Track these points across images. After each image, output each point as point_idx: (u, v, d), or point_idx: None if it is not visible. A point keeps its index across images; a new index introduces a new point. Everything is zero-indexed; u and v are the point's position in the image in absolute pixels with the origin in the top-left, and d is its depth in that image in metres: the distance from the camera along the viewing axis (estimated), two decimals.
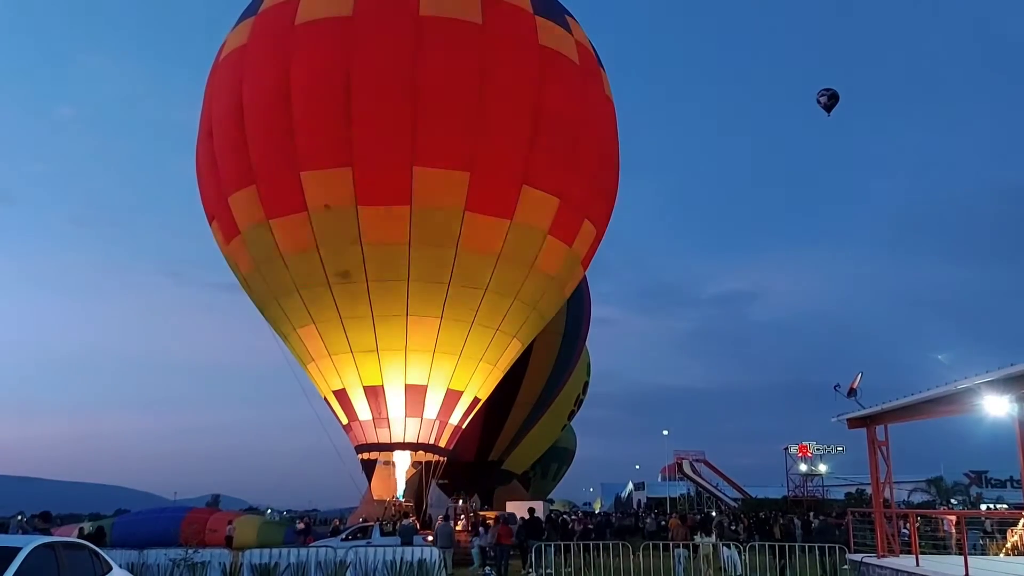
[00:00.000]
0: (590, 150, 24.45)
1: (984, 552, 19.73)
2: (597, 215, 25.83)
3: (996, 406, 12.33)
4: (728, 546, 19.30)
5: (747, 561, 18.46)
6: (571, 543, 20.28)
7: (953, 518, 25.18)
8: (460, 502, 33.81)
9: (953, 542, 22.62)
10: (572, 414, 43.56)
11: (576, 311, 35.96)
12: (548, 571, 17.83)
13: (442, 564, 17.80)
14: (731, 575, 18.44)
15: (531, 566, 18.71)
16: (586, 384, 43.82)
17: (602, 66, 26.38)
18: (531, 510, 26.15)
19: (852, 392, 19.68)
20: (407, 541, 20.43)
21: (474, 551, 21.80)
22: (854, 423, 17.53)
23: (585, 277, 38.64)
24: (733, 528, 31.75)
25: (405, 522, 23.57)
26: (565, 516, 35.95)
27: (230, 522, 31.09)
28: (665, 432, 76.75)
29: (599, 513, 47.93)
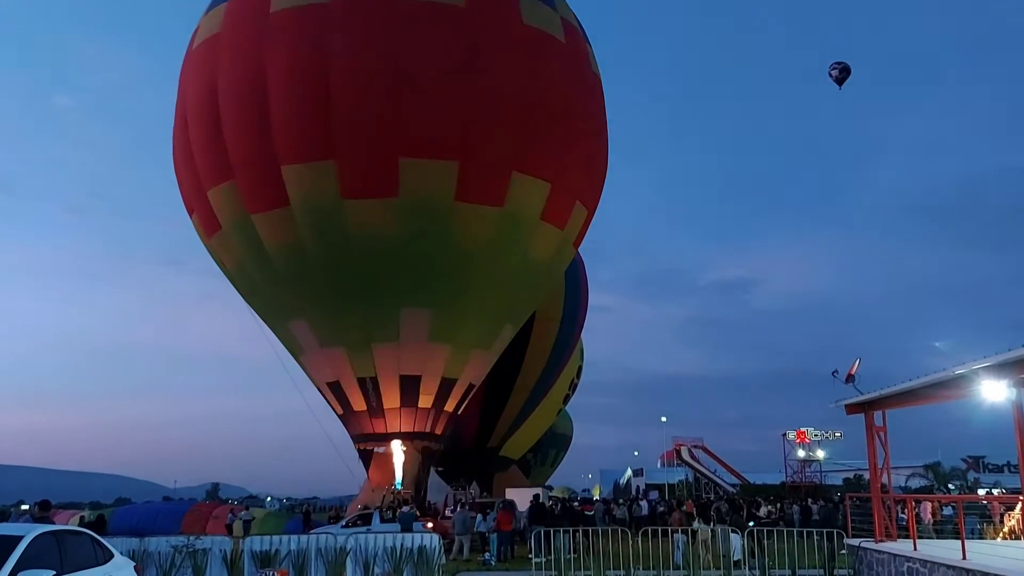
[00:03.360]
0: (579, 130, 24.22)
1: (981, 536, 19.81)
2: (588, 195, 25.63)
3: (994, 391, 12.37)
4: (735, 532, 19.31)
5: (745, 546, 18.53)
6: (570, 529, 20.36)
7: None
8: (459, 489, 33.97)
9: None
10: (567, 398, 43.70)
11: (573, 297, 35.99)
12: (549, 556, 17.90)
13: (441, 550, 17.86)
14: (729, 560, 18.48)
15: (531, 552, 18.76)
16: (580, 368, 43.92)
17: (587, 40, 26.06)
18: (536, 496, 26.37)
19: (850, 378, 19.68)
20: (406, 528, 20.51)
21: (493, 537, 21.93)
22: (852, 409, 17.57)
23: (583, 262, 38.62)
24: (731, 514, 31.80)
25: (404, 509, 23.68)
26: (563, 502, 36.08)
27: (231, 511, 31.14)
28: (663, 419, 76.99)
29: (644, 499, 47.66)
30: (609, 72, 26.84)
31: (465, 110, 21.79)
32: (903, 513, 19.46)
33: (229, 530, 28.11)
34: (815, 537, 18.39)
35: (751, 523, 23.52)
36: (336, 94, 21.42)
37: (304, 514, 33.89)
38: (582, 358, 44.42)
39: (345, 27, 21.67)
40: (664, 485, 65.07)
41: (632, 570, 17.38)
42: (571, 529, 20.36)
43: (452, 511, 29.08)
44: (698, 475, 66.17)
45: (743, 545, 18.64)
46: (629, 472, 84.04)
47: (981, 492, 42.61)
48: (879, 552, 16.20)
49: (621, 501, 40.39)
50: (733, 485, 63.38)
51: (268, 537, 17.53)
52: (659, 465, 74.74)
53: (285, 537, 17.34)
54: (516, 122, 22.39)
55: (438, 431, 26.02)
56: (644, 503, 35.88)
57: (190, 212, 25.43)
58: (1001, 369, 11.48)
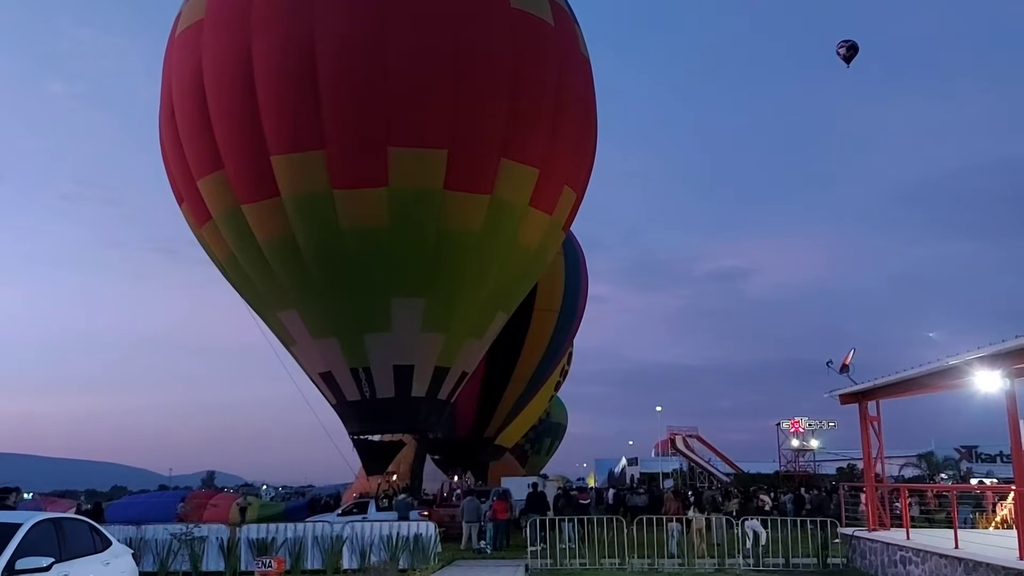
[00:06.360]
0: (568, 115, 23.99)
1: (974, 526, 19.95)
2: (576, 180, 25.42)
3: (987, 381, 12.46)
4: (752, 519, 19.32)
5: (740, 535, 18.60)
6: (566, 518, 20.46)
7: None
8: (456, 478, 34.06)
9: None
10: (558, 385, 43.79)
11: (573, 289, 35.94)
12: (543, 545, 18.00)
13: (438, 539, 17.95)
14: (723, 548, 18.57)
15: (528, 540, 18.85)
16: (570, 355, 43.98)
17: (577, 22, 25.90)
18: (534, 484, 26.44)
19: (845, 368, 19.80)
20: (403, 516, 20.59)
21: (488, 527, 22.05)
22: (846, 399, 17.68)
23: (583, 255, 38.57)
24: (724, 503, 31.99)
25: (401, 497, 23.79)
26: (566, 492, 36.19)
27: (244, 496, 31.34)
28: (658, 408, 76.81)
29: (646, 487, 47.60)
30: (606, 61, 26.79)
31: (454, 98, 21.59)
32: (897, 502, 19.58)
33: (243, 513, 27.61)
34: (809, 526, 18.52)
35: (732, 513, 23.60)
36: (324, 83, 21.21)
37: (311, 500, 34.08)
38: (572, 345, 44.47)
39: (331, 13, 21.42)
40: (659, 474, 65.38)
41: (627, 558, 17.51)
42: (567, 518, 20.47)
43: (445, 499, 29.20)
44: (692, 464, 66.44)
45: (737, 534, 18.69)
46: (624, 461, 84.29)
47: (974, 482, 42.84)
48: (872, 541, 16.33)
49: (642, 491, 40.43)
50: (727, 474, 63.69)
51: (265, 525, 17.61)
52: (653, 454, 74.99)
53: (282, 525, 17.42)
54: (505, 109, 22.19)
55: (433, 420, 26.02)
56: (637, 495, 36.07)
57: (180, 201, 25.24)
58: (995, 359, 11.56)
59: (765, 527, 18.65)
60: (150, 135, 25.69)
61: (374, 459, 27.00)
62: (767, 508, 29.04)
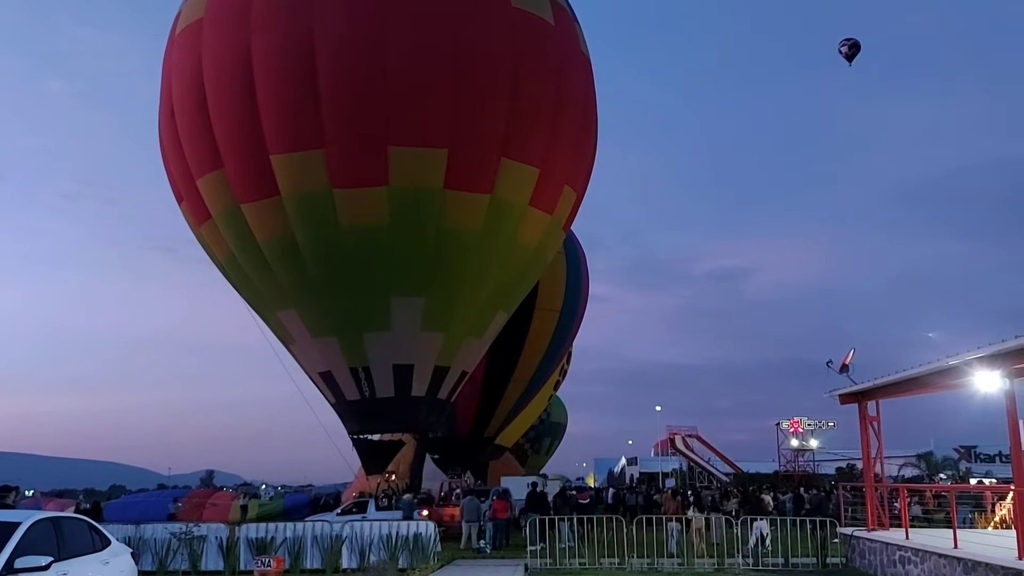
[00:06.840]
0: (568, 114, 23.93)
1: (973, 525, 19.95)
2: (576, 179, 25.38)
3: (987, 381, 12.46)
4: (759, 519, 19.30)
5: (740, 535, 18.60)
6: (566, 517, 20.46)
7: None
8: (454, 479, 34.04)
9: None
10: (557, 384, 43.82)
11: (574, 289, 35.94)
12: (542, 545, 17.99)
13: (437, 538, 17.94)
14: (722, 548, 18.56)
15: (528, 540, 18.83)
16: (569, 355, 44.00)
17: (577, 21, 25.86)
18: (533, 484, 26.44)
19: (844, 368, 19.77)
20: (408, 516, 20.57)
21: (488, 526, 22.06)
22: (846, 399, 17.67)
23: (584, 255, 38.55)
24: (722, 503, 31.98)
25: (406, 497, 23.77)
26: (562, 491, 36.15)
27: (244, 495, 31.38)
28: (658, 408, 76.68)
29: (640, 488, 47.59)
30: (607, 61, 26.76)
31: (454, 97, 21.57)
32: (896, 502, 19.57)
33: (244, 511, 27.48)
34: (808, 526, 18.51)
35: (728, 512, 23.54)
36: (324, 82, 21.19)
37: (312, 498, 34.16)
38: (572, 344, 44.43)
39: (330, 12, 21.42)
40: (659, 473, 65.39)
41: (626, 558, 17.50)
42: (567, 517, 20.45)
43: (443, 498, 29.18)
44: (692, 464, 66.44)
45: (737, 534, 18.67)
46: (623, 461, 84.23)
47: (973, 482, 42.86)
48: (871, 540, 16.33)
49: (640, 490, 40.37)
50: (727, 474, 63.71)
51: (264, 525, 17.60)
52: (653, 454, 74.97)
53: (281, 524, 17.41)
54: (505, 108, 22.17)
55: (432, 419, 26.00)
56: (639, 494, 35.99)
57: (179, 201, 25.21)
58: (994, 360, 11.56)
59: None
60: (150, 134, 25.67)
61: (374, 458, 27.00)
62: (768, 508, 29.07)
